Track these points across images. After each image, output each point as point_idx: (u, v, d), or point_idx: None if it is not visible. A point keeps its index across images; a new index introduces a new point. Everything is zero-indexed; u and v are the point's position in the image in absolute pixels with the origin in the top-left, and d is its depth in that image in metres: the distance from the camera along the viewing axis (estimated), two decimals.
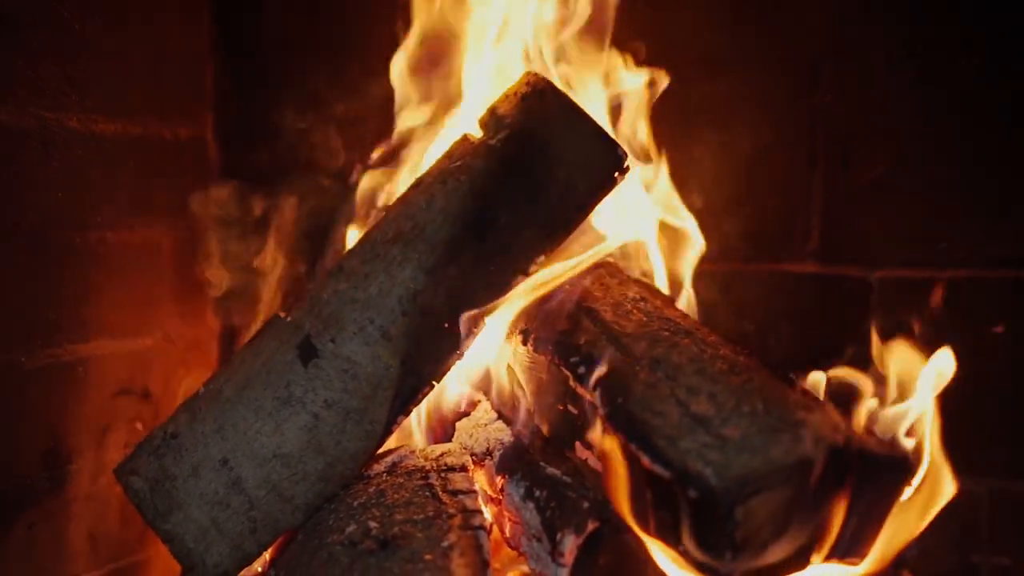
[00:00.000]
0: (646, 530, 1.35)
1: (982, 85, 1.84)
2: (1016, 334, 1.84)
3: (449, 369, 1.53)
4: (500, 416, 1.65)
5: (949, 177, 1.87)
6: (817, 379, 1.56)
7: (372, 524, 1.37)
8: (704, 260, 1.80)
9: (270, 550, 1.49)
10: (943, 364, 1.52)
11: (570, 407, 1.51)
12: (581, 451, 1.50)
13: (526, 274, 1.52)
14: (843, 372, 1.54)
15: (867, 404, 1.50)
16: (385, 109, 1.93)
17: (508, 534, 1.55)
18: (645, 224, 1.77)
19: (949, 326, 1.59)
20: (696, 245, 1.80)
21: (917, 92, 1.87)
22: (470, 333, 1.51)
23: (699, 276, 1.81)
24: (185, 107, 2.05)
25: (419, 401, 1.52)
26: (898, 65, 1.87)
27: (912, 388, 1.50)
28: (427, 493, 1.44)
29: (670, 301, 1.64)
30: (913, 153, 1.88)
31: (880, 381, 1.53)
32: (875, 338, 1.59)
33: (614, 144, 1.53)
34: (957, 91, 1.85)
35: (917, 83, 1.86)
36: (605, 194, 1.56)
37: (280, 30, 2.13)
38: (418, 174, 1.58)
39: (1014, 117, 1.83)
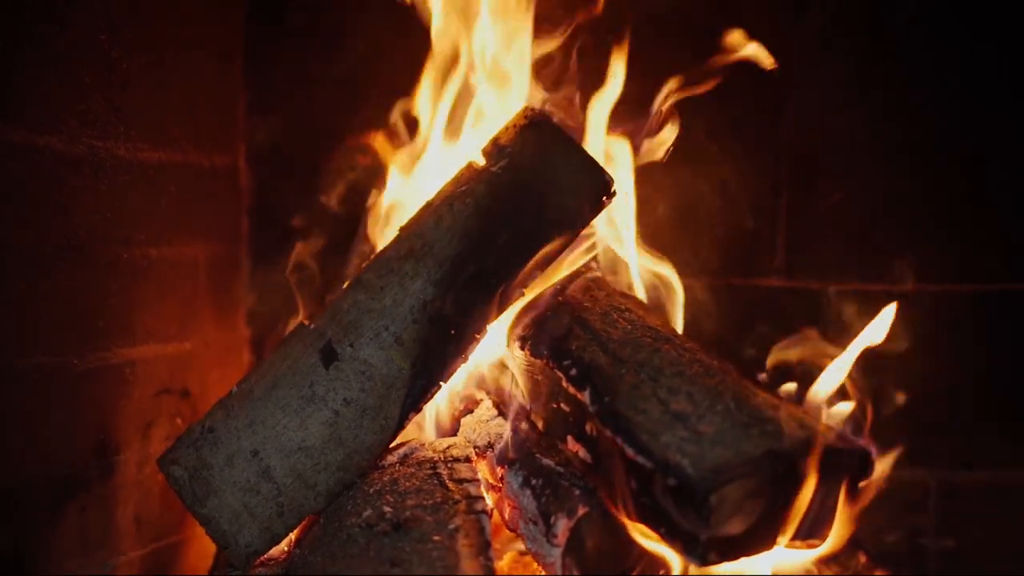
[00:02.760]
0: (630, 514, 1.37)
1: (930, 119, 1.86)
2: (959, 340, 1.86)
3: (455, 371, 1.54)
4: (500, 413, 1.65)
5: (900, 202, 1.89)
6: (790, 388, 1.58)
7: (386, 509, 1.39)
8: (683, 275, 1.81)
9: (295, 531, 1.50)
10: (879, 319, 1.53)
11: (562, 405, 1.52)
12: (572, 444, 1.51)
13: (524, 287, 1.54)
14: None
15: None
16: (392, 137, 1.94)
17: (507, 518, 1.56)
18: (629, 242, 1.79)
19: (899, 334, 1.61)
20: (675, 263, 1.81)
21: (872, 126, 1.89)
22: (474, 339, 1.52)
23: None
24: (220, 137, 2.04)
25: (428, 399, 1.53)
26: (856, 102, 1.89)
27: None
28: (435, 481, 1.45)
29: (652, 312, 1.65)
30: (868, 181, 1.90)
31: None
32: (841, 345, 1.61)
33: (602, 171, 1.54)
34: (908, 125, 1.88)
35: (871, 118, 1.89)
36: (595, 215, 1.57)
37: (303, 67, 2.14)
38: (428, 197, 1.60)
39: (959, 150, 1.86)
